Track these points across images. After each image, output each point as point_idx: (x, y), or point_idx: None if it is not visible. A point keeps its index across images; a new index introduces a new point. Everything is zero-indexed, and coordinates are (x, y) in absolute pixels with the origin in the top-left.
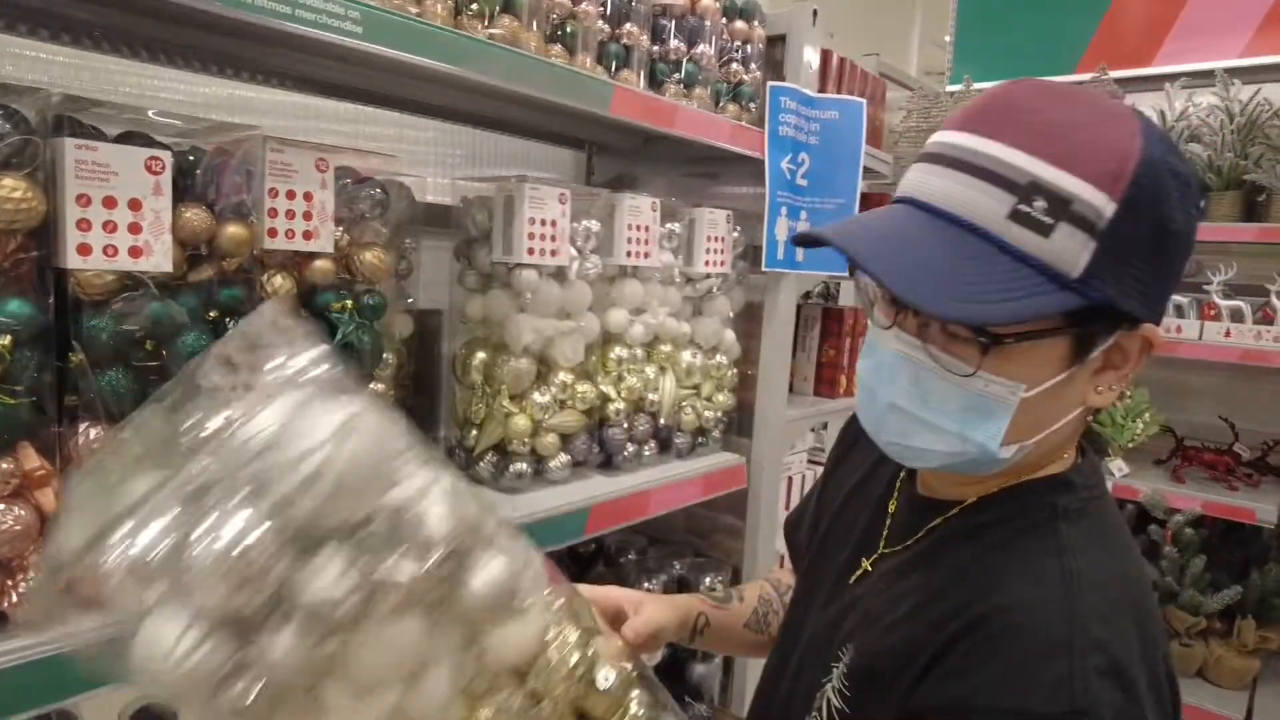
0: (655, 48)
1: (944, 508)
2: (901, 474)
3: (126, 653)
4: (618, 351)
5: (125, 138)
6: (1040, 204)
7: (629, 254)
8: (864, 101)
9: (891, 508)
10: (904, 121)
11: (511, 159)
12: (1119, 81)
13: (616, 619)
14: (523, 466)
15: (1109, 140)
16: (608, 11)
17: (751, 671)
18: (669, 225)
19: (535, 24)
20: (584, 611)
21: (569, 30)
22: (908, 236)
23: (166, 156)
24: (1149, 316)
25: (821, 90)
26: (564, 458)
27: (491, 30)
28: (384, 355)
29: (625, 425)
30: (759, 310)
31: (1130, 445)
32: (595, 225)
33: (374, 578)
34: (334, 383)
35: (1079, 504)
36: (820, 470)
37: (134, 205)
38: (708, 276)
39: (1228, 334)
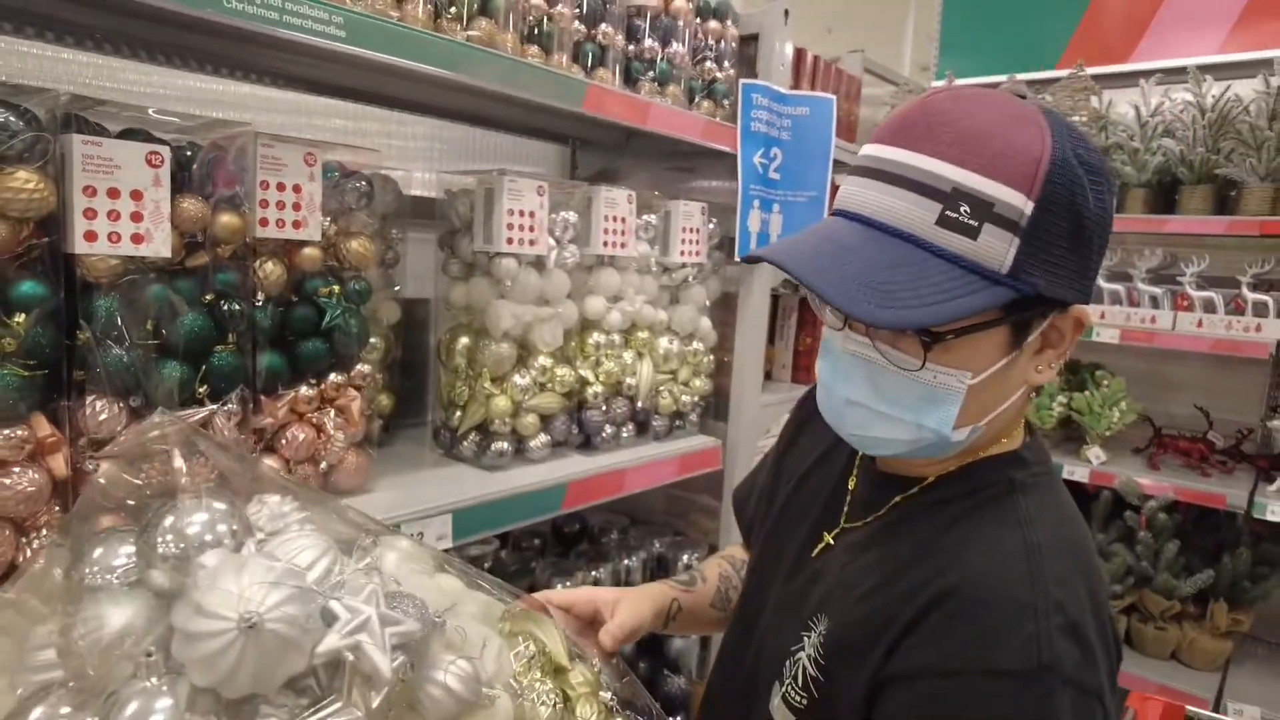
0: (630, 47)
1: (905, 484)
2: (860, 452)
3: None
4: (596, 337)
5: (127, 134)
6: (965, 209)
7: (606, 244)
8: (834, 98)
9: (851, 484)
10: (887, 117)
11: (499, 154)
12: (1097, 78)
13: (594, 621)
14: (504, 445)
15: (1020, 144)
16: (583, 12)
17: None
18: (645, 217)
19: (512, 25)
20: (558, 645)
21: (545, 31)
22: (845, 248)
23: (165, 151)
24: (1078, 298)
25: (796, 87)
26: (544, 438)
27: (469, 32)
28: (371, 339)
29: (604, 408)
30: (734, 299)
31: (1107, 434)
32: (573, 217)
33: None
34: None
35: (1032, 478)
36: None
37: (136, 196)
38: (683, 266)
39: (1200, 324)
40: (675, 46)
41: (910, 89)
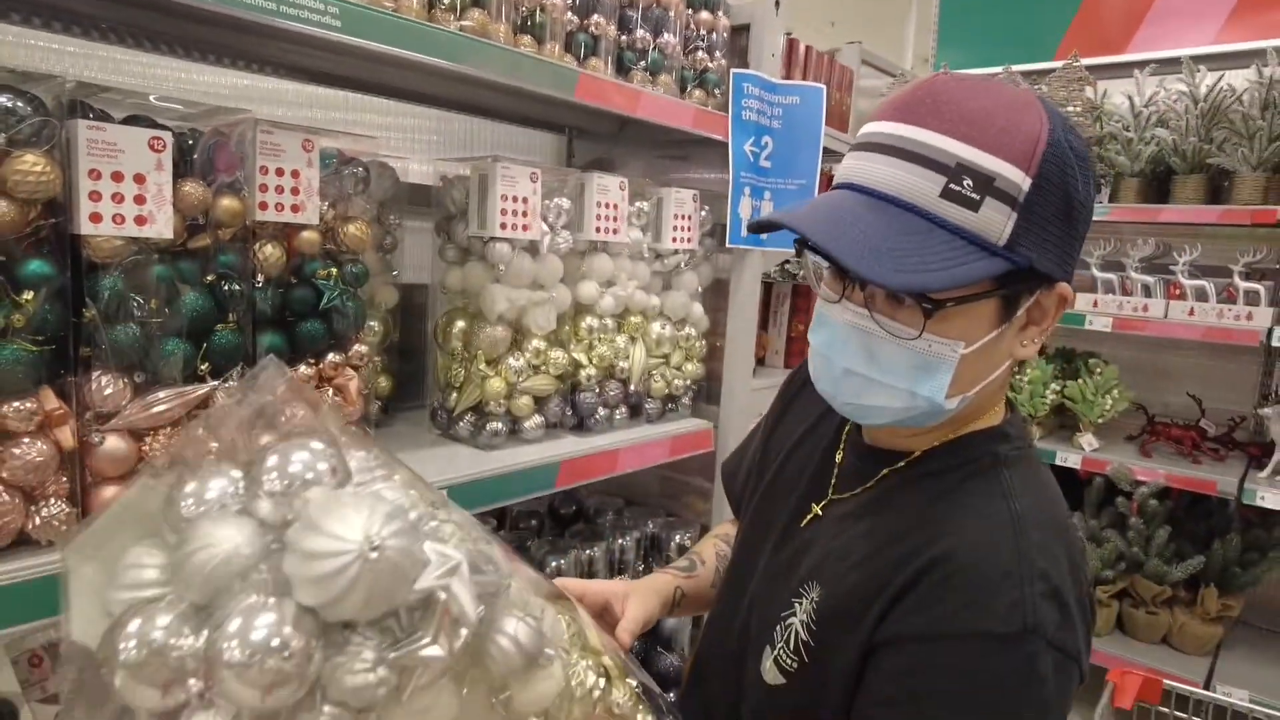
0: (623, 37)
1: (892, 458)
2: (848, 427)
3: None
4: (589, 321)
5: (131, 120)
6: (968, 182)
7: (598, 230)
8: (823, 87)
9: (839, 458)
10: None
11: (498, 143)
12: (1092, 69)
13: (604, 613)
14: (498, 426)
15: (1021, 125)
16: (576, 3)
17: None
18: (638, 204)
19: (504, 16)
20: (587, 629)
21: (538, 21)
22: (853, 216)
23: (167, 136)
24: (1062, 276)
25: (789, 77)
26: (538, 419)
27: (462, 22)
28: (370, 323)
29: (597, 390)
30: (726, 285)
31: (1100, 421)
32: (566, 203)
33: (405, 663)
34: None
35: (1015, 452)
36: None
37: (139, 179)
38: (675, 253)
39: (1192, 313)
40: (667, 37)
41: (908, 80)
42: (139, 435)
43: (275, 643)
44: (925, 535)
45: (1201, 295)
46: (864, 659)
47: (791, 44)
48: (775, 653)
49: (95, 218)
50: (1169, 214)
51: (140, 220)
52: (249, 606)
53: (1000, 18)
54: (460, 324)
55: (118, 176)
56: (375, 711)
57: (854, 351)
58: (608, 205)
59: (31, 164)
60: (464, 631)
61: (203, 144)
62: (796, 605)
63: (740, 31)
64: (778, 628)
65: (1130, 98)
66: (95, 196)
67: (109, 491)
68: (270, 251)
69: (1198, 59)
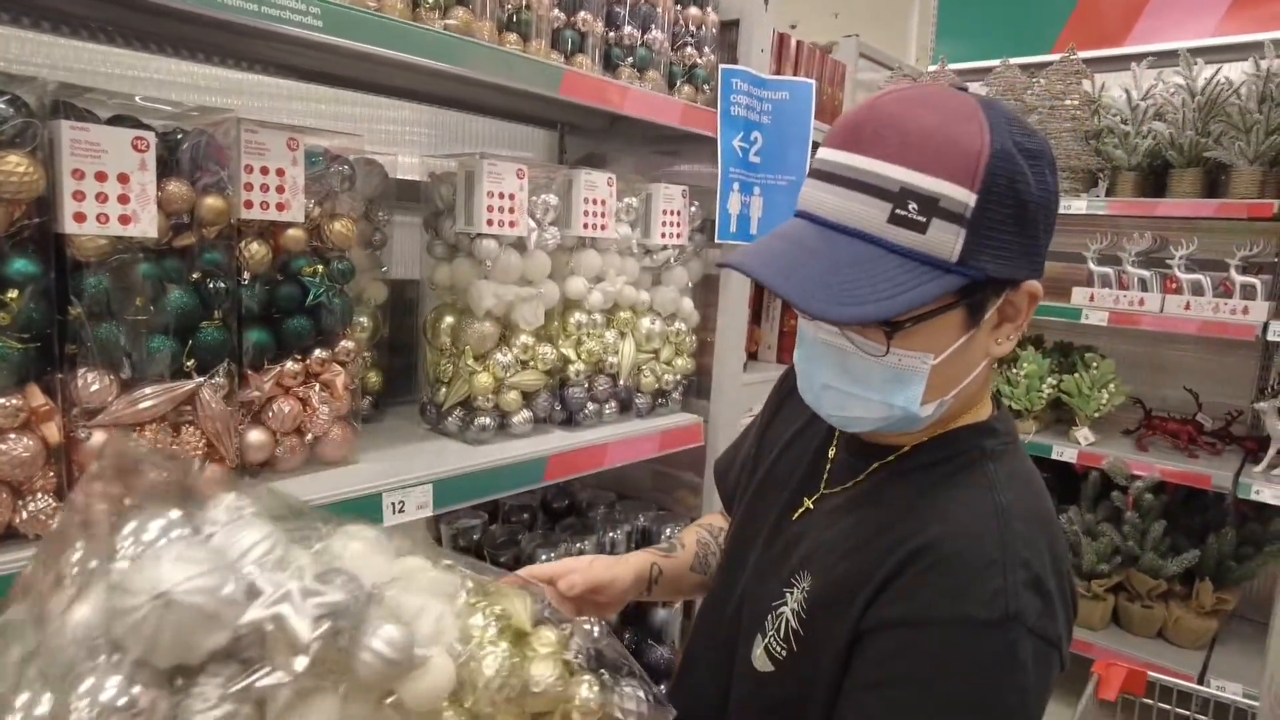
0: (610, 33)
1: (882, 453)
2: None
3: None
4: (577, 317)
5: (116, 120)
6: (913, 206)
7: (586, 226)
8: (813, 82)
9: (831, 453)
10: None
11: (489, 139)
12: (1090, 62)
13: (590, 593)
14: (486, 421)
15: (960, 140)
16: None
17: None
18: (626, 200)
19: (489, 14)
20: (522, 613)
21: (523, 18)
22: (807, 249)
23: (151, 136)
24: (1029, 274)
25: (779, 72)
26: (526, 414)
27: (447, 21)
28: (355, 318)
29: (586, 386)
30: (717, 281)
31: (1096, 415)
32: (554, 199)
33: (251, 694)
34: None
35: (1002, 447)
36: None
37: (122, 179)
38: (664, 248)
39: (1187, 307)
40: (655, 33)
41: (906, 74)
42: (125, 431)
43: (122, 701)
44: (912, 525)
45: (1198, 289)
46: (851, 646)
47: (782, 39)
48: (766, 640)
49: (79, 217)
50: (1165, 208)
51: (124, 219)
52: (95, 667)
53: (999, 10)
54: (449, 320)
55: (101, 176)
56: None
57: (830, 367)
58: (596, 201)
59: (15, 164)
60: (303, 655)
61: (187, 143)
62: (788, 595)
63: (729, 27)
64: (769, 616)
65: (1127, 91)
66: (79, 196)
67: (95, 487)
68: (256, 249)
69: (1195, 52)
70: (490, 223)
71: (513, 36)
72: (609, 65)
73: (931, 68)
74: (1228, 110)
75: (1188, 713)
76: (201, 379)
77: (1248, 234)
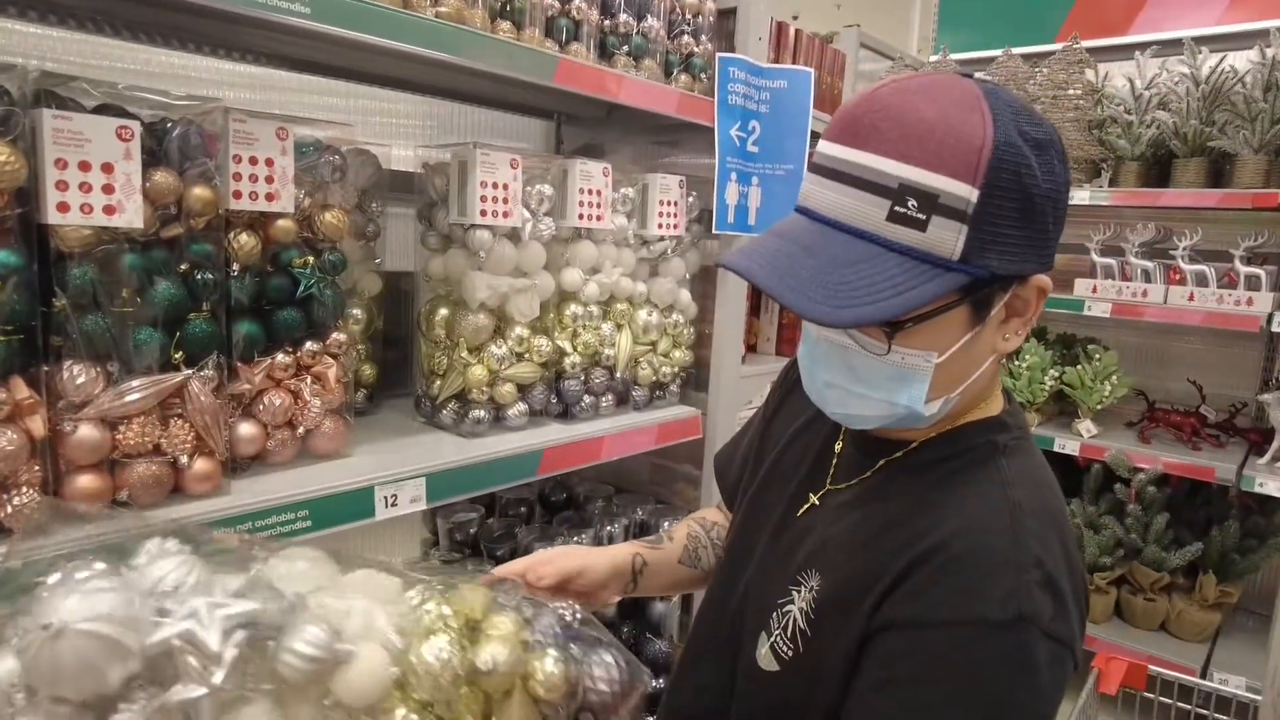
0: (606, 21)
1: (890, 448)
2: None
3: None
4: (573, 309)
5: (101, 110)
6: (912, 203)
7: (582, 217)
8: (811, 71)
9: (838, 448)
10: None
11: (485, 129)
12: (1093, 51)
13: (568, 581)
14: (481, 413)
15: (962, 133)
16: None
17: None
18: (623, 190)
19: (482, 1)
20: (475, 605)
21: (517, 6)
22: (804, 248)
23: (135, 125)
24: (1037, 269)
25: (777, 61)
26: (521, 406)
27: (438, 8)
28: (349, 310)
29: (582, 378)
30: (714, 272)
31: (1099, 407)
32: (549, 190)
33: (168, 713)
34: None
35: (1014, 441)
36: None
37: (106, 168)
38: (661, 239)
39: (1191, 298)
40: (651, 21)
41: (908, 64)
42: (112, 424)
43: None
44: (923, 522)
45: (1202, 280)
46: (861, 647)
47: (781, 28)
48: (772, 640)
49: (63, 207)
50: (1169, 198)
51: (109, 210)
52: (13, 712)
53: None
54: (443, 311)
55: (85, 166)
56: None
57: (833, 365)
58: (591, 191)
59: None
60: (218, 666)
61: (174, 133)
62: (795, 593)
63: (727, 15)
64: (774, 614)
65: (1131, 80)
66: (62, 186)
67: (82, 480)
68: (245, 240)
69: (1200, 40)
70: (484, 213)
71: (506, 24)
72: (604, 54)
73: (933, 58)
74: (1232, 99)
75: (1189, 707)
76: (190, 371)
77: (1252, 224)
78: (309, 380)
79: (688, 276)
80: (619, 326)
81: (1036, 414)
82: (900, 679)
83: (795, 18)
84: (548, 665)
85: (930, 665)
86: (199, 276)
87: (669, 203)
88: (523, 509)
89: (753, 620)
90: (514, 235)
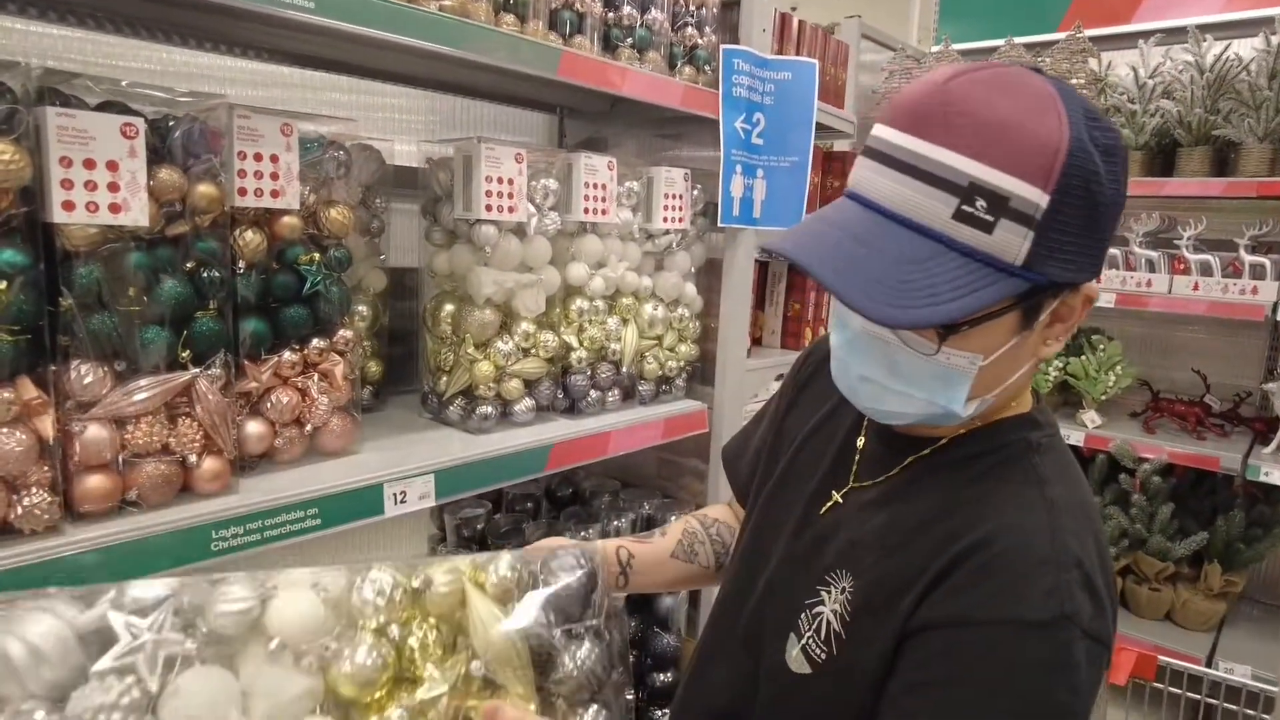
0: (609, 14)
1: (917, 445)
2: None
3: None
4: (579, 303)
5: (105, 107)
6: (981, 204)
7: (587, 211)
8: (815, 62)
9: (859, 443)
10: (886, 83)
11: (488, 123)
12: (1096, 40)
13: None
14: (488, 409)
15: (1039, 136)
16: None
17: None
18: (628, 184)
19: None
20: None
21: None
22: (861, 241)
23: (140, 122)
24: (1089, 277)
25: (781, 52)
26: (528, 402)
27: (442, 2)
28: (355, 307)
29: (588, 373)
30: (720, 265)
31: (1103, 398)
32: (554, 184)
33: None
34: None
35: (1046, 439)
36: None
37: (111, 166)
38: (666, 233)
39: (1196, 287)
40: (655, 13)
41: (910, 54)
42: (121, 423)
43: None
44: (960, 521)
45: (1206, 270)
46: (896, 648)
47: (784, 19)
48: (803, 642)
49: (68, 206)
50: (1173, 187)
51: (114, 208)
52: None
53: None
54: (449, 307)
55: (89, 164)
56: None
57: (873, 360)
58: (596, 186)
59: (0, 152)
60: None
61: (178, 130)
62: (825, 594)
63: (730, 7)
64: (803, 615)
65: (1135, 69)
66: (67, 184)
67: (91, 480)
68: (251, 237)
69: (1204, 28)
70: (489, 208)
71: (509, 18)
72: (608, 46)
73: (935, 48)
74: (1237, 87)
75: (1198, 696)
76: (197, 370)
77: (1257, 213)
78: (316, 377)
79: (692, 270)
80: (624, 321)
81: None
82: (938, 679)
83: (794, 9)
84: (501, 568)
85: (970, 665)
86: (205, 274)
87: (674, 196)
88: (529, 505)
89: (777, 621)
90: (519, 230)
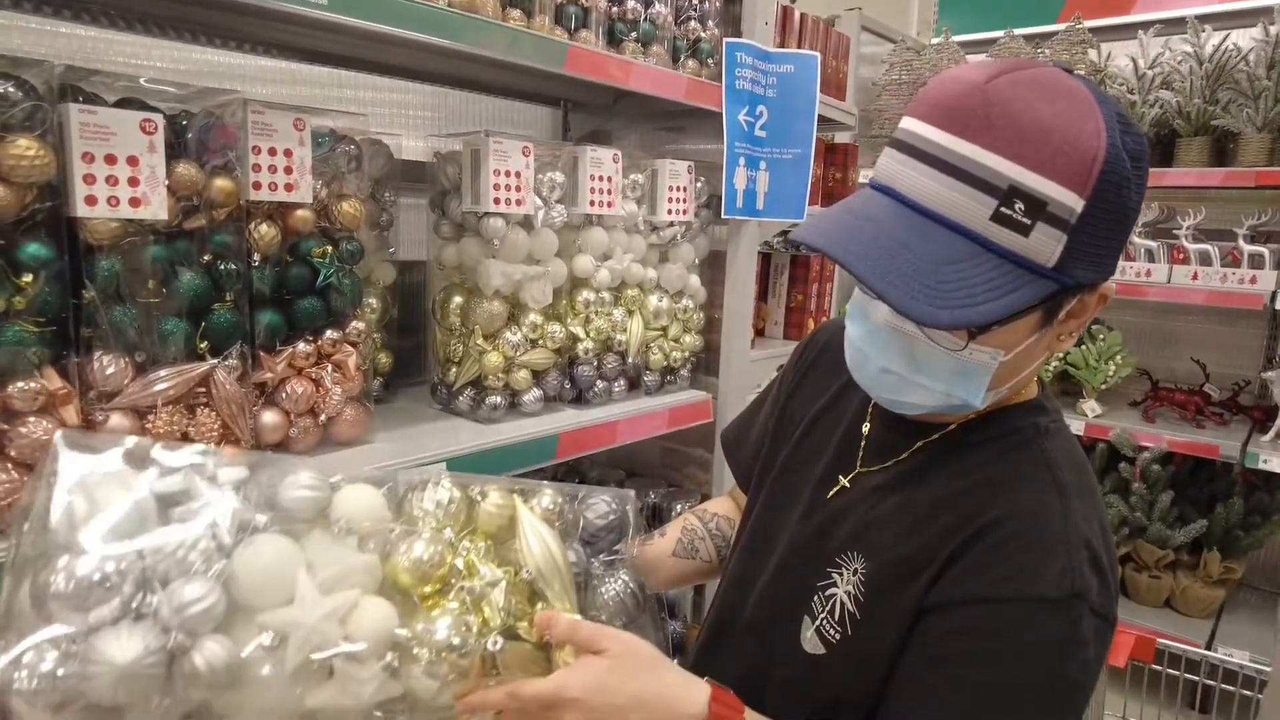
0: (614, 8)
1: (925, 430)
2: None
3: None
4: (585, 295)
5: (123, 103)
6: (1020, 206)
7: (593, 203)
8: (817, 55)
9: (866, 428)
10: (886, 75)
11: (493, 118)
12: (1095, 31)
13: None
14: (497, 400)
15: (1079, 141)
16: None
17: None
18: (632, 176)
19: None
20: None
21: None
22: (894, 239)
23: (159, 118)
24: (1106, 277)
25: (783, 45)
26: (536, 392)
27: None
28: (365, 299)
29: (595, 364)
30: (723, 257)
31: (1103, 387)
32: (560, 177)
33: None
34: None
35: (1053, 424)
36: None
37: (132, 161)
38: (671, 225)
39: (1195, 277)
40: (658, 7)
41: (910, 46)
42: (141, 413)
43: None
44: (973, 503)
45: (1205, 259)
46: (912, 627)
47: (786, 12)
48: (817, 624)
49: (90, 200)
50: (1173, 177)
51: (135, 202)
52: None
53: None
54: (457, 299)
55: (111, 159)
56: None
57: (894, 352)
58: (601, 178)
59: (25, 148)
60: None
61: (195, 125)
62: (837, 576)
63: (733, 1)
64: (815, 598)
65: (1134, 60)
66: (89, 179)
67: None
68: (265, 231)
69: (1203, 18)
70: (497, 201)
71: (516, 13)
72: (613, 40)
73: (935, 40)
74: (1236, 77)
75: (1196, 678)
76: (215, 361)
77: (1256, 203)
78: (329, 368)
79: (697, 262)
80: (630, 312)
81: None
82: (953, 656)
83: (794, 1)
84: (545, 500)
85: (986, 641)
86: (221, 267)
87: (678, 188)
88: None
89: (786, 602)
90: (527, 223)
